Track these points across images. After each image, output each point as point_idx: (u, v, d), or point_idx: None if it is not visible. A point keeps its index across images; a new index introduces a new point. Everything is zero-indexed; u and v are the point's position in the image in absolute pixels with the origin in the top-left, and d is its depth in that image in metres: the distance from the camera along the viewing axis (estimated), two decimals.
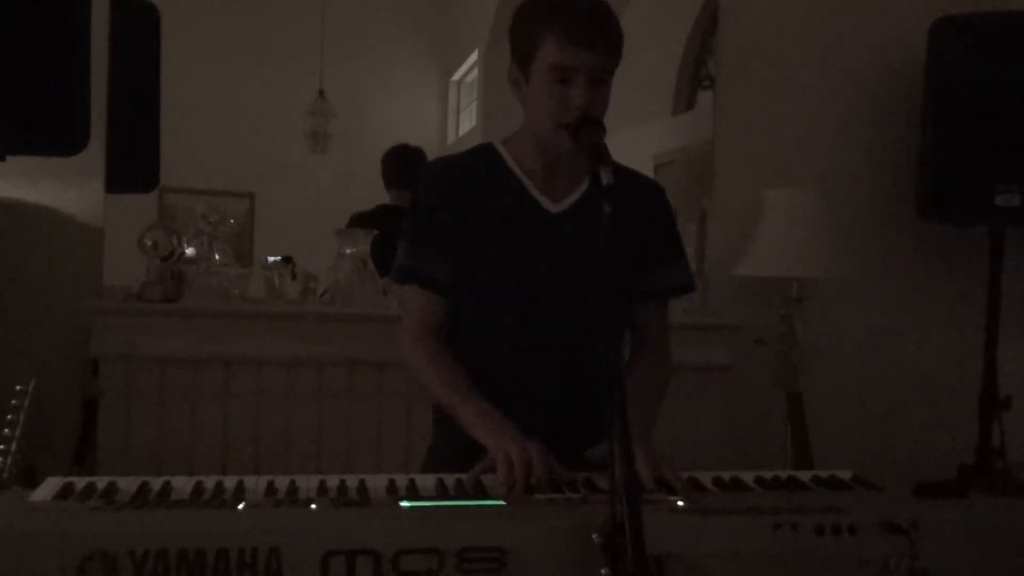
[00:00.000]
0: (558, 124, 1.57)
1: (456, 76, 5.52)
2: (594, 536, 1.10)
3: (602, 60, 1.57)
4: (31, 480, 1.36)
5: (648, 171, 3.67)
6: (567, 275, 1.67)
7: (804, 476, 1.52)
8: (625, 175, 1.39)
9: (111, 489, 1.29)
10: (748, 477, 1.50)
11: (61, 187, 2.77)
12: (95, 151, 2.59)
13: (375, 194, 3.81)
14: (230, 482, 1.34)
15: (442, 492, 1.37)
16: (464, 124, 5.49)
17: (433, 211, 1.70)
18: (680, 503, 1.31)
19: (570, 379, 1.70)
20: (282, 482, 1.34)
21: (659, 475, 1.41)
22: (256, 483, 1.34)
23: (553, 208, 1.70)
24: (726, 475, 1.50)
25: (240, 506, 1.20)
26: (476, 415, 1.57)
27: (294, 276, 3.02)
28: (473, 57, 5.35)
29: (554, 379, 1.70)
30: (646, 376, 1.73)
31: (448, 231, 1.68)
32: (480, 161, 1.74)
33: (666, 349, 1.83)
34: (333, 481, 1.35)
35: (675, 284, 1.82)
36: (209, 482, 1.34)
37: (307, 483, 1.34)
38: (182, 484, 1.33)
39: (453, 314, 1.72)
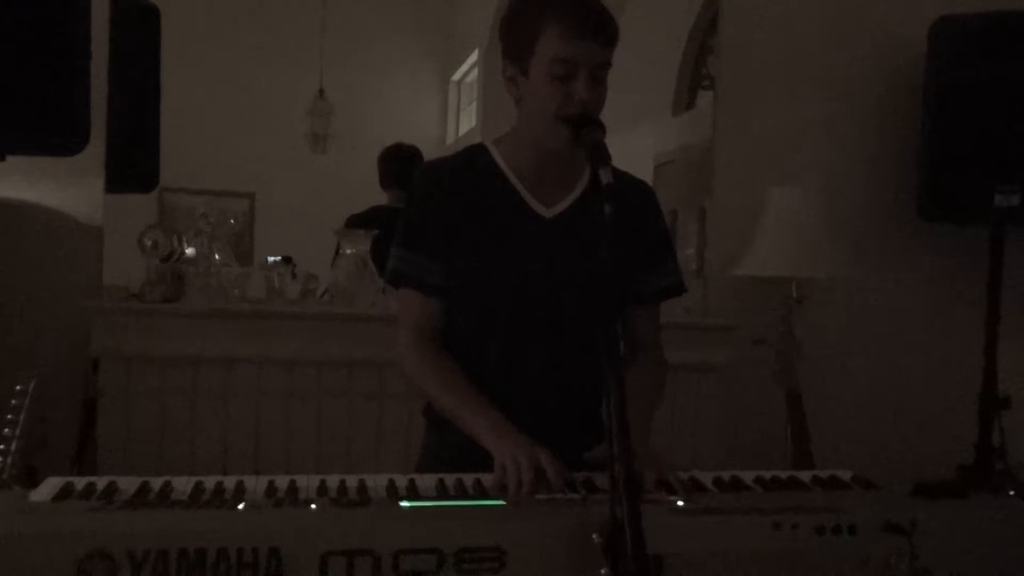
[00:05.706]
0: (558, 118, 1.56)
1: (456, 76, 5.52)
2: (594, 536, 1.11)
3: (603, 52, 1.56)
4: (31, 480, 1.36)
5: (648, 171, 3.68)
6: (558, 279, 1.66)
7: (804, 476, 1.52)
8: (617, 176, 1.39)
9: (111, 489, 1.29)
10: (748, 477, 1.50)
11: (61, 187, 2.77)
12: (95, 151, 2.58)
13: (375, 194, 3.81)
14: (230, 482, 1.34)
15: (442, 492, 1.37)
16: (464, 124, 5.49)
17: (425, 214, 1.69)
18: (680, 503, 1.31)
19: (563, 384, 1.69)
20: (282, 482, 1.34)
21: (661, 476, 1.40)
22: (256, 483, 1.34)
23: (546, 213, 1.69)
24: (726, 475, 1.50)
25: (240, 506, 1.21)
26: (480, 420, 1.56)
27: (294, 276, 3.02)
28: (473, 57, 5.35)
29: (547, 384, 1.68)
30: (641, 380, 1.70)
31: (440, 234, 1.67)
32: (472, 163, 1.72)
33: (659, 352, 1.81)
34: (333, 481, 1.35)
35: (666, 287, 1.80)
36: (209, 482, 1.34)
37: (307, 483, 1.34)
38: (182, 484, 1.33)
39: (447, 318, 1.72)
